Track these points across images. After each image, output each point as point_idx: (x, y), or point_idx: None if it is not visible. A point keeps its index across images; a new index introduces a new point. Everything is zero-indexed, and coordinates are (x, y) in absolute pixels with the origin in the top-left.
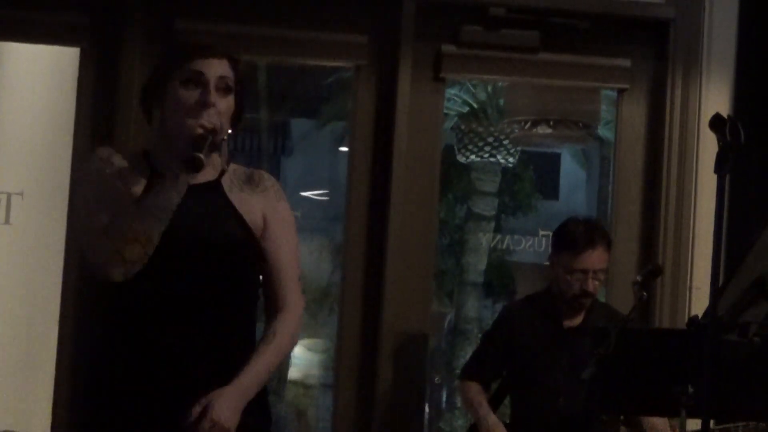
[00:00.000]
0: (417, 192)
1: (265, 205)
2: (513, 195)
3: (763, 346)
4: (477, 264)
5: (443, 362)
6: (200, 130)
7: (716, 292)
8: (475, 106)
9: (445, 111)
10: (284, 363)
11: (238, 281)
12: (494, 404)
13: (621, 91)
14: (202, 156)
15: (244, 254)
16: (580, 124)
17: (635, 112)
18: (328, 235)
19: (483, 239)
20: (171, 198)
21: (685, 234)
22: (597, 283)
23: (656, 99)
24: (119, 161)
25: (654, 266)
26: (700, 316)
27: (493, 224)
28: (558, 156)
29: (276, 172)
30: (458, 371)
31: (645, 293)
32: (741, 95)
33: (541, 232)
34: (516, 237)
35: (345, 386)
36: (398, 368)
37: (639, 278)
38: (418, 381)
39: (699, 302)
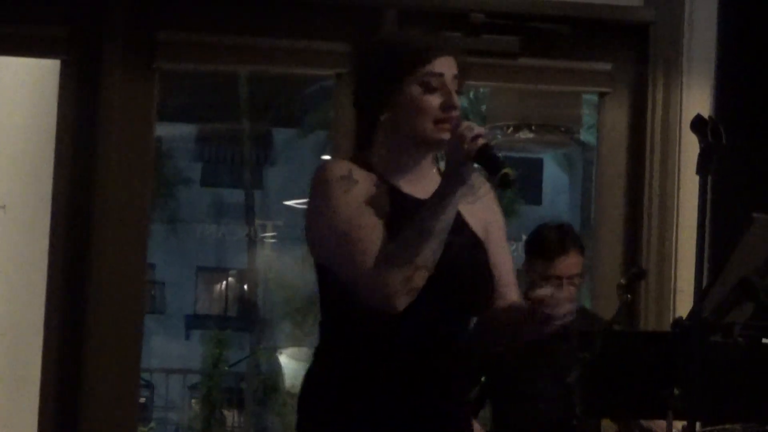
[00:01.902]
0: None
1: (485, 213)
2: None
3: (747, 347)
4: None
5: None
6: (482, 141)
7: (700, 293)
8: None
9: None
10: (277, 373)
11: (481, 302)
12: (474, 411)
13: (602, 95)
14: (510, 171)
15: (487, 278)
16: (562, 129)
17: (617, 116)
18: None
19: None
20: (450, 218)
21: (669, 236)
22: (573, 288)
23: (638, 102)
24: (357, 174)
25: (638, 269)
26: (684, 317)
27: None
28: (540, 161)
29: (259, 181)
30: None
31: (629, 296)
32: (722, 96)
33: (525, 238)
34: None
35: None
36: None
37: (623, 281)
38: None
39: (683, 304)
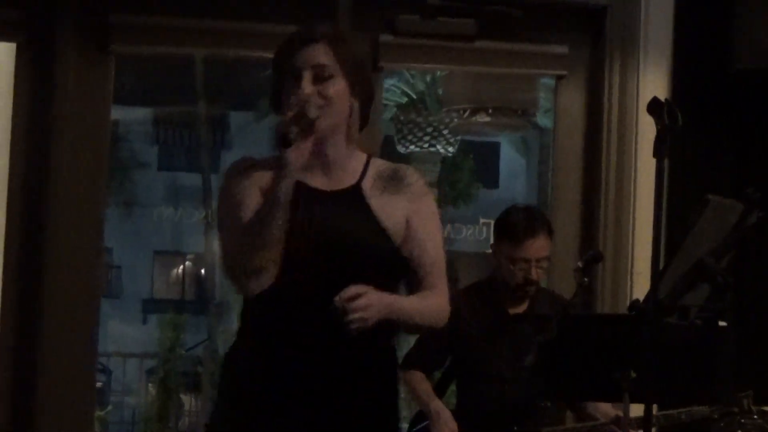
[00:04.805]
0: None
1: (407, 205)
2: (453, 184)
3: (703, 329)
4: None
5: None
6: (289, 114)
7: (656, 275)
8: (414, 96)
9: (384, 101)
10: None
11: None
12: (439, 392)
13: (559, 78)
14: (289, 131)
15: (381, 266)
16: (519, 112)
17: (573, 99)
18: None
19: None
20: (278, 198)
21: (625, 219)
22: (541, 271)
23: (594, 85)
24: (257, 170)
25: (595, 252)
26: (641, 300)
27: None
28: (497, 144)
29: (216, 165)
30: None
31: (586, 279)
32: (678, 79)
33: (482, 221)
34: (456, 226)
35: None
36: None
37: (580, 264)
38: None
39: (640, 288)
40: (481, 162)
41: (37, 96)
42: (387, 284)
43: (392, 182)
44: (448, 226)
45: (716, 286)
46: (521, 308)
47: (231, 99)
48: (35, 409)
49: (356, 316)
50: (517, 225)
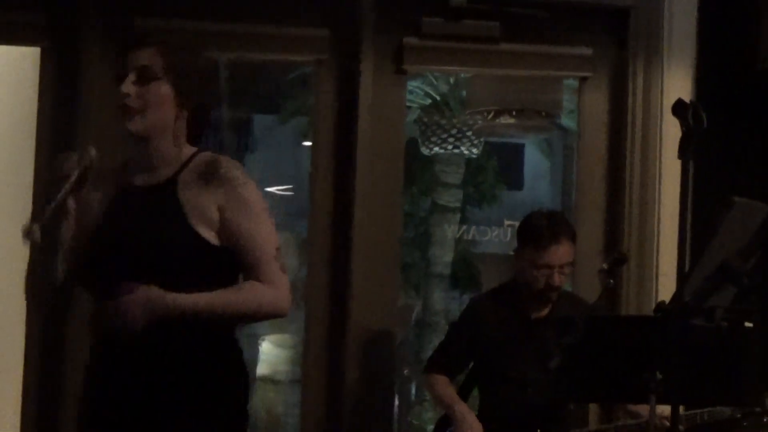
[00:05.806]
0: (381, 185)
1: (220, 197)
2: (477, 186)
3: (729, 331)
4: (443, 256)
5: (411, 355)
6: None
7: (682, 277)
8: (438, 98)
9: (408, 103)
10: (253, 359)
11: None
12: (462, 396)
13: (583, 80)
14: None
15: (189, 261)
16: (543, 114)
17: (597, 100)
18: (293, 231)
19: (448, 231)
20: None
21: (650, 221)
22: (563, 276)
23: (618, 86)
24: (99, 178)
25: (619, 254)
26: (667, 301)
27: (458, 216)
28: (522, 146)
29: None
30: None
31: (611, 280)
32: (703, 80)
33: (506, 223)
34: (481, 228)
35: (313, 381)
36: (366, 362)
37: (605, 266)
38: (386, 374)
39: (665, 289)
40: (505, 164)
41: (61, 100)
42: (203, 278)
43: (206, 174)
44: (472, 228)
45: (742, 288)
46: (543, 312)
47: (255, 102)
48: (60, 415)
49: (120, 317)
50: (540, 231)
